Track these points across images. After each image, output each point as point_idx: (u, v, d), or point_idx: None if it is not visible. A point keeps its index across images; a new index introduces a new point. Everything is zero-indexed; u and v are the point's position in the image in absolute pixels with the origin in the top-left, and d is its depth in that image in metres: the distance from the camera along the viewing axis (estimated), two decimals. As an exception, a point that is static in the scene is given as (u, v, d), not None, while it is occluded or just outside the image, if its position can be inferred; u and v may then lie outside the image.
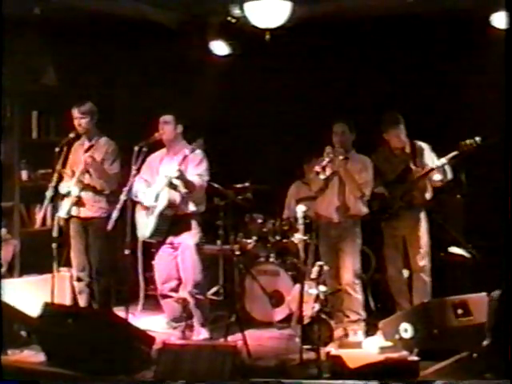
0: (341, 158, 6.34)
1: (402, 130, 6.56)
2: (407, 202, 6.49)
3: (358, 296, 6.44)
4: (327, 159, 6.27)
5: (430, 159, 6.50)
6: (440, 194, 6.72)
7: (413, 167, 6.49)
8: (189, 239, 6.26)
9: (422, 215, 6.57)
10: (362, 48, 7.42)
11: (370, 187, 6.42)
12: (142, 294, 7.49)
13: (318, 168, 6.26)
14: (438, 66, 7.35)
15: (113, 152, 6.51)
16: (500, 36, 6.53)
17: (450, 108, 7.25)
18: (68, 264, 6.87)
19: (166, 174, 6.10)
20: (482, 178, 6.88)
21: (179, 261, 6.29)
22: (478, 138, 6.17)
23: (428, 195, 6.54)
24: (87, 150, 6.51)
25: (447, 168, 6.34)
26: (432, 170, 6.38)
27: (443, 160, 6.31)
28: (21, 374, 5.03)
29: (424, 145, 6.59)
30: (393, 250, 6.64)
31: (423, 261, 6.53)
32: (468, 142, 6.19)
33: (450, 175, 6.40)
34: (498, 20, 6.68)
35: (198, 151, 6.16)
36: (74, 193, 6.44)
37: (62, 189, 6.46)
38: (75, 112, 6.47)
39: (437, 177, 6.38)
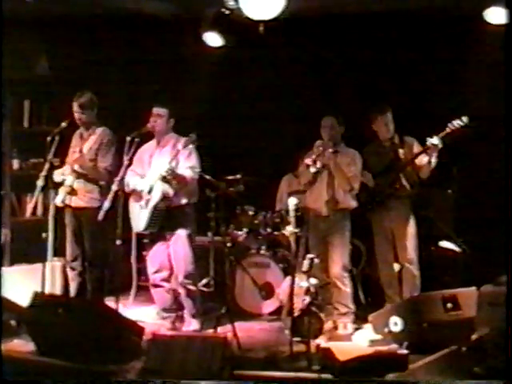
0: (330, 151, 6.35)
1: (390, 119, 6.58)
2: (395, 190, 6.50)
3: (347, 289, 6.46)
4: (317, 152, 6.28)
5: (419, 147, 6.50)
6: (431, 187, 6.74)
7: (401, 156, 6.51)
8: (181, 230, 6.27)
9: (409, 207, 6.59)
10: (355, 41, 7.42)
11: (359, 180, 6.44)
12: (134, 285, 7.49)
13: (308, 161, 6.28)
14: (429, 60, 7.37)
15: (107, 143, 6.46)
16: (493, 30, 6.57)
17: (441, 101, 7.28)
18: (60, 253, 6.87)
19: (159, 168, 6.11)
20: (472, 173, 6.91)
21: (171, 251, 6.31)
22: (464, 118, 6.19)
23: (415, 183, 6.54)
24: (85, 141, 6.50)
25: (438, 142, 6.26)
26: (421, 153, 6.39)
27: (431, 140, 6.27)
28: (10, 364, 5.02)
29: (413, 139, 6.60)
30: (383, 243, 6.66)
31: (411, 254, 6.55)
32: (455, 122, 6.20)
33: (434, 158, 6.35)
34: (492, 15, 6.70)
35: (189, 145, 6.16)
36: (67, 182, 6.43)
37: (57, 177, 6.44)
38: (74, 105, 6.44)
39: (424, 160, 6.38)
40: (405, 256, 6.56)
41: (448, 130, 6.22)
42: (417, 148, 6.52)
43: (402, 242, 6.57)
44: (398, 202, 6.56)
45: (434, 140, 6.25)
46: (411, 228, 6.58)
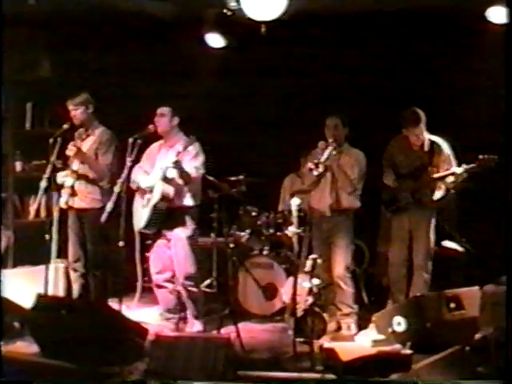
0: (334, 153, 6.33)
1: (423, 129, 6.51)
2: (417, 200, 6.50)
3: (350, 289, 6.46)
4: (320, 156, 6.27)
5: (447, 159, 6.48)
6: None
7: (429, 168, 6.48)
8: (181, 232, 6.27)
9: (431, 214, 6.56)
10: (358, 42, 7.41)
11: (363, 182, 6.43)
12: (139, 286, 7.48)
13: (311, 165, 6.26)
14: (435, 61, 7.36)
15: (106, 142, 6.49)
16: (496, 30, 6.57)
17: (445, 101, 7.29)
18: (63, 255, 6.87)
19: (161, 166, 6.12)
20: (475, 173, 6.90)
21: (172, 253, 6.31)
22: (496, 157, 6.16)
23: (439, 195, 6.52)
24: (84, 140, 6.52)
25: (464, 175, 6.31)
26: (450, 174, 6.37)
27: (462, 169, 6.27)
28: (14, 365, 5.02)
29: (442, 142, 6.55)
30: (399, 245, 6.60)
31: (426, 259, 6.52)
32: (487, 157, 6.19)
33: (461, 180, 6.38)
34: (495, 15, 6.69)
35: (194, 145, 6.15)
36: (67, 183, 6.44)
37: (59, 179, 6.46)
38: (69, 104, 6.47)
39: (450, 179, 6.37)
40: (419, 261, 6.52)
41: (477, 163, 6.22)
42: (445, 153, 6.48)
43: (418, 245, 6.53)
44: (420, 207, 6.54)
45: (461, 169, 6.26)
46: (431, 234, 6.56)
